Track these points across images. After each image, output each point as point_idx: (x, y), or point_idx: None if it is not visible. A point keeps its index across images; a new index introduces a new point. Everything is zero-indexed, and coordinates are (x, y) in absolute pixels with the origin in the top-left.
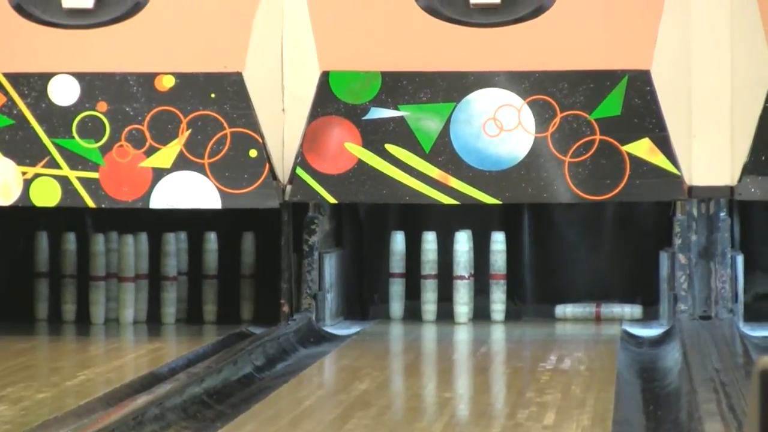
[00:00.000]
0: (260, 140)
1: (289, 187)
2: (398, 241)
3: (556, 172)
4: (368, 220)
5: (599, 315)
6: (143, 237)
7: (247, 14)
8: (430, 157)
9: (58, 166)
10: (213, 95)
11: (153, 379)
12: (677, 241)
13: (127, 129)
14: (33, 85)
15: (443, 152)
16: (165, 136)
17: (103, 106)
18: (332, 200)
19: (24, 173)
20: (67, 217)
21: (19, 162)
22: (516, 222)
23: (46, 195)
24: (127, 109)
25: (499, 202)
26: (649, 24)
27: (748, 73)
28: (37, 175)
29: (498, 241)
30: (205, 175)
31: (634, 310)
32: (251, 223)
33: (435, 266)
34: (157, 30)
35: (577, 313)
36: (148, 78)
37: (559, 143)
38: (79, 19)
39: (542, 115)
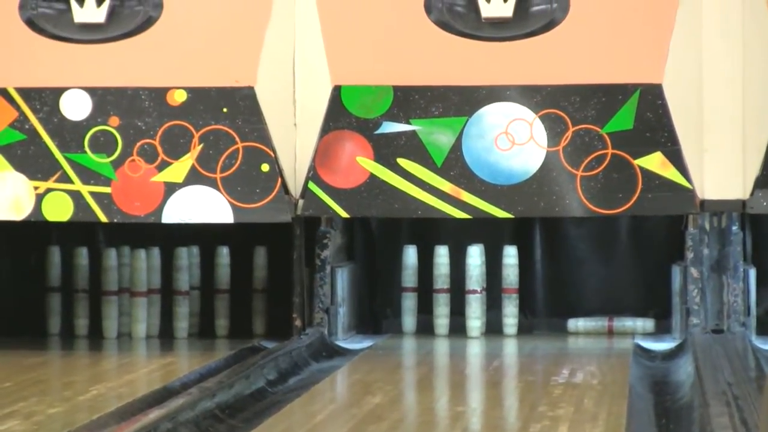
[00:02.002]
0: (272, 154)
1: (301, 202)
2: (410, 255)
3: (568, 186)
4: (380, 234)
5: (611, 329)
6: (155, 251)
7: (258, 28)
8: (442, 171)
9: (70, 181)
10: (225, 110)
11: (165, 393)
12: (689, 255)
13: (139, 143)
14: (45, 99)
15: (455, 166)
16: (177, 151)
17: (115, 120)
18: (344, 214)
19: (36, 188)
20: (80, 231)
21: (31, 177)
22: (528, 236)
23: (59, 210)
24: (139, 123)
25: (512, 216)
26: (660, 38)
27: (759, 87)
28: (49, 190)
29: (510, 255)
30: (217, 189)
31: (646, 323)
32: (263, 238)
33: (447, 280)
34: (169, 44)
35: (589, 327)
36: (160, 92)
37: (571, 157)
38: (90, 34)
39: (554, 129)
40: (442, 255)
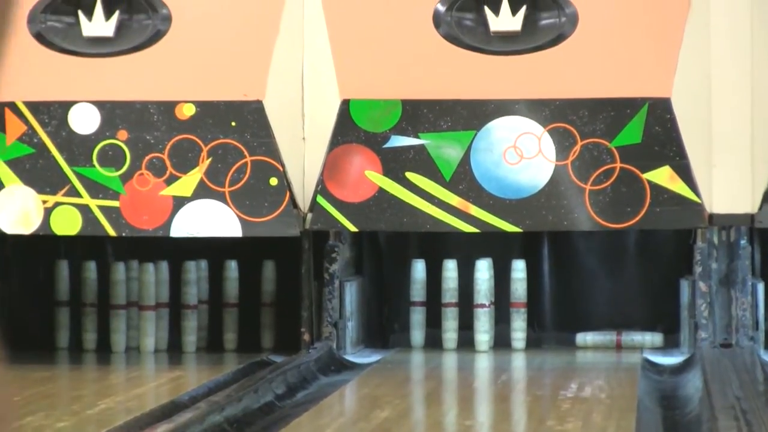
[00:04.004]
0: (281, 168)
1: (309, 215)
2: (419, 269)
3: (576, 200)
4: (389, 248)
5: (620, 343)
6: (164, 265)
7: (267, 42)
8: (450, 185)
9: (78, 195)
10: (233, 123)
11: (173, 407)
12: (698, 269)
13: (147, 157)
14: (53, 113)
15: (464, 180)
16: (185, 165)
17: (123, 134)
18: (353, 228)
19: (44, 202)
20: (88, 245)
21: (40, 190)
22: (536, 250)
23: (67, 223)
24: (148, 137)
25: (520, 230)
26: (669, 52)
27: None
28: (57, 204)
29: (518, 269)
30: (226, 203)
31: (654, 338)
32: (272, 252)
33: (455, 294)
34: (178, 58)
35: (597, 341)
36: (169, 106)
37: (580, 171)
38: (99, 48)
39: (562, 143)
40: (450, 269)
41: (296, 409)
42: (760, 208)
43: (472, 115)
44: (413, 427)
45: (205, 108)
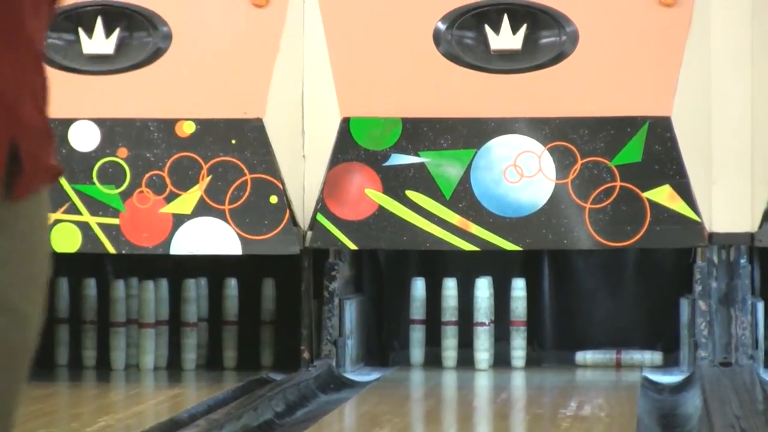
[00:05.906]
0: (281, 186)
1: (309, 234)
2: (418, 287)
3: (576, 219)
4: (388, 266)
5: (619, 361)
6: (163, 283)
7: (267, 60)
8: (450, 204)
9: (78, 212)
10: (233, 141)
11: (173, 425)
12: (697, 288)
13: (147, 175)
14: (53, 130)
15: (464, 198)
16: (185, 182)
17: (123, 152)
18: (353, 246)
19: None
20: (88, 263)
21: None
22: (536, 268)
23: (67, 241)
24: (148, 155)
25: (520, 249)
26: (669, 71)
27: None
28: (57, 221)
29: (518, 287)
30: (226, 221)
31: (654, 356)
32: (271, 270)
33: (455, 312)
34: (178, 76)
35: (597, 360)
36: (169, 124)
37: (580, 190)
38: (99, 65)
39: (563, 162)
40: (450, 287)
41: (295, 427)
42: (760, 227)
43: (472, 133)
44: None
45: (205, 126)
